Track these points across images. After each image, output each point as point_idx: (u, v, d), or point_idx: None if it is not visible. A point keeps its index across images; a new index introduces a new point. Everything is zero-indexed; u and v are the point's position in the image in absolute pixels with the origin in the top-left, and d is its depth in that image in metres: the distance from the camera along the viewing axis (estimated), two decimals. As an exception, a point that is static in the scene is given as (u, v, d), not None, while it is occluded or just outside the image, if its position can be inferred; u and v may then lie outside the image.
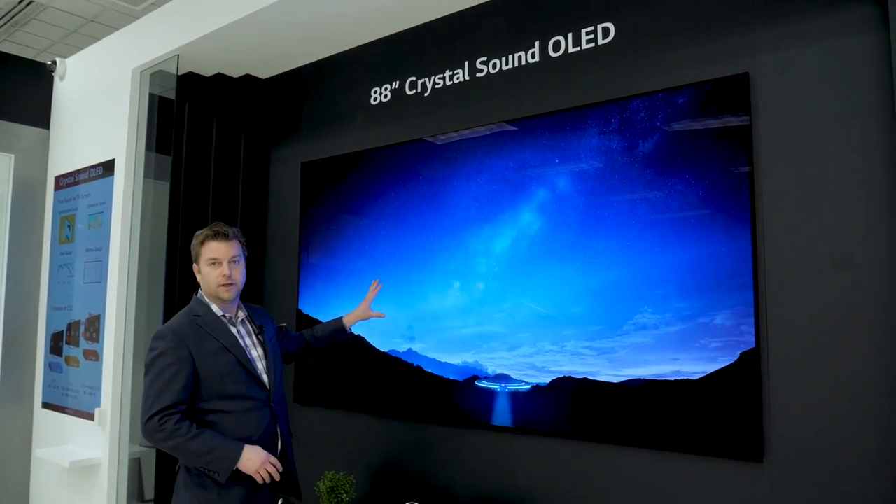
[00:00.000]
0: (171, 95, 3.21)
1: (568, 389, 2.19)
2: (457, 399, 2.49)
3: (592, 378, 2.14)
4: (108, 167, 3.35)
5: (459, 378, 2.49)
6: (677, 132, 2.05)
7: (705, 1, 2.08)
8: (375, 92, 3.01)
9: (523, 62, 2.50)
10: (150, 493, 3.17)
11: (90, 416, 3.22)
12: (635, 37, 2.23)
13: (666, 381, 1.99)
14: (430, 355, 2.58)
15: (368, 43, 3.05)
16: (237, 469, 1.97)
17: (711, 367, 1.92)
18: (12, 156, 3.75)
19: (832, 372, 1.77)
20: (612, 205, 2.16)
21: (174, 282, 3.10)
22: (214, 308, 2.12)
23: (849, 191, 1.78)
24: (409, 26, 2.89)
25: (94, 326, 3.30)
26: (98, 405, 3.19)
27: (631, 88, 2.18)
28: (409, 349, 2.65)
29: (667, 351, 2.00)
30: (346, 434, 2.95)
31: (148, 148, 3.29)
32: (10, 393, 3.65)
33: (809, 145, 1.85)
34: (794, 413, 1.81)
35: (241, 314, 2.20)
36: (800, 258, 1.84)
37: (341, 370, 2.94)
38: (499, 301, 2.40)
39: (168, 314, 3.01)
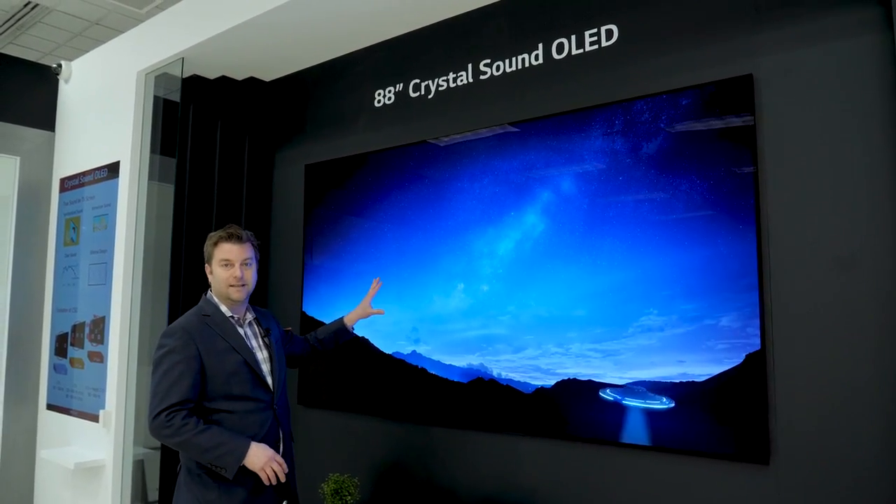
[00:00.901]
0: (176, 98, 3.23)
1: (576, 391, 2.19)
2: (462, 401, 2.49)
3: (597, 380, 2.14)
4: (112, 169, 3.36)
5: (464, 380, 2.49)
6: (681, 133, 2.05)
7: (708, 2, 2.08)
8: (379, 94, 3.01)
9: (527, 64, 2.51)
10: (153, 494, 3.18)
11: (94, 418, 3.23)
12: (639, 39, 2.23)
13: (672, 382, 1.99)
14: (435, 357, 2.58)
15: (372, 45, 3.06)
16: (243, 466, 1.97)
17: (717, 370, 1.91)
18: (18, 158, 3.77)
19: (838, 373, 1.76)
20: (617, 206, 2.15)
21: (179, 283, 3.11)
22: (224, 309, 2.14)
23: (853, 191, 1.78)
24: (412, 28, 2.89)
25: (99, 328, 3.30)
26: (102, 407, 3.19)
27: (634, 90, 2.18)
28: (414, 351, 2.65)
29: (673, 353, 1.99)
30: (350, 436, 2.95)
31: (152, 150, 3.30)
32: (14, 394, 3.66)
33: (813, 146, 1.85)
34: (801, 415, 1.81)
35: (249, 316, 2.21)
36: (805, 259, 1.84)
37: (345, 372, 2.94)
38: (503, 303, 2.40)
39: (173, 316, 3.02)
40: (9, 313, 3.67)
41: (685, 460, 1.99)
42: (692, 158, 2.01)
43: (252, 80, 3.44)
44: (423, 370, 2.61)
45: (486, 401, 2.42)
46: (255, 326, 2.21)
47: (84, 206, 3.54)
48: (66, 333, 3.55)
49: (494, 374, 2.40)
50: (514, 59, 2.54)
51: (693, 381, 1.95)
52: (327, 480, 2.63)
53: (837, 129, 1.81)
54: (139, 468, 3.26)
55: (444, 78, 2.76)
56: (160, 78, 3.30)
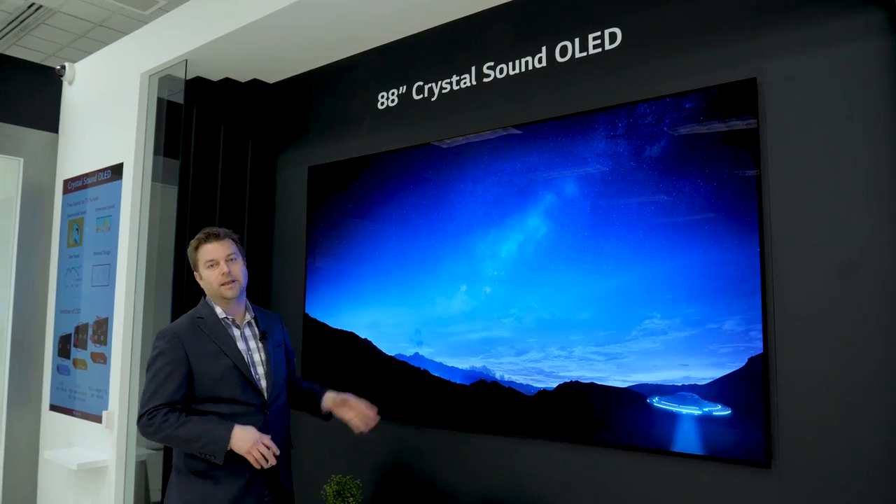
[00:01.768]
0: (179, 100, 3.23)
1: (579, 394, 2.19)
2: (464, 403, 2.49)
3: (600, 383, 2.14)
4: (116, 171, 3.37)
5: (466, 382, 2.49)
6: (685, 137, 2.06)
7: (712, 6, 2.08)
8: (382, 97, 3.02)
9: (530, 67, 2.51)
10: (156, 495, 3.18)
11: (97, 419, 3.23)
12: (642, 42, 2.23)
13: (673, 385, 1.99)
14: (438, 360, 2.59)
15: (376, 48, 3.06)
16: (236, 461, 1.96)
17: (720, 374, 1.91)
18: (21, 159, 3.78)
19: (840, 376, 1.76)
20: (620, 209, 2.16)
21: (182, 285, 3.12)
22: (218, 311, 2.13)
23: (856, 195, 1.78)
24: (416, 31, 2.90)
25: (102, 329, 3.31)
26: (105, 408, 3.20)
27: (638, 93, 2.18)
28: (416, 353, 2.66)
29: (676, 356, 2.00)
30: (352, 437, 2.94)
31: (156, 152, 3.31)
32: (18, 395, 3.67)
33: (817, 150, 1.85)
34: (803, 417, 1.81)
35: (248, 316, 2.19)
36: (808, 263, 1.84)
37: (349, 374, 2.94)
38: (506, 305, 2.40)
39: (175, 317, 3.02)
40: (12, 314, 3.68)
41: (687, 463, 1.99)
42: (695, 162, 2.01)
43: (255, 83, 3.45)
44: (426, 372, 2.62)
45: (488, 403, 2.42)
46: (254, 327, 2.19)
47: (87, 208, 3.55)
48: (70, 334, 3.56)
49: (497, 376, 2.40)
50: (517, 61, 2.55)
51: (696, 385, 1.95)
52: (329, 482, 2.64)
53: (841, 133, 1.82)
54: (142, 469, 3.27)
55: (448, 81, 2.77)
56: (164, 80, 3.31)
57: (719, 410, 1.91)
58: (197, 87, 3.31)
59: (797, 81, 1.90)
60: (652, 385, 2.03)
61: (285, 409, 2.21)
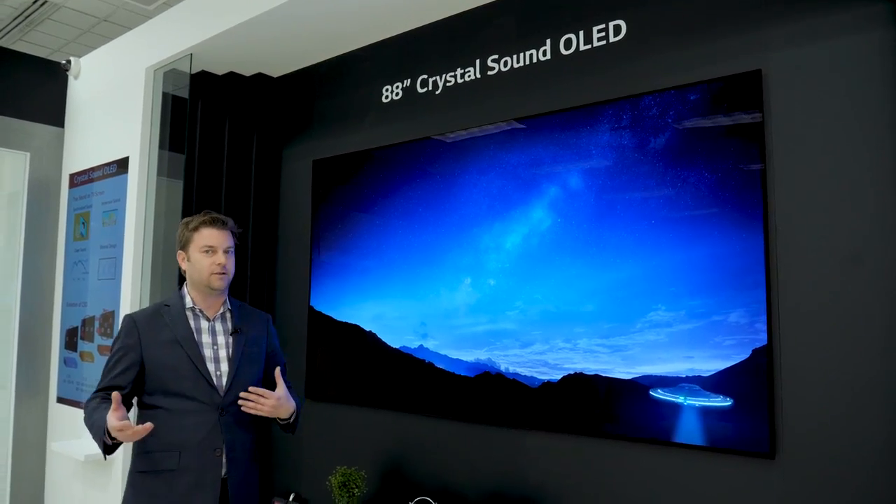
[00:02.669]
0: (184, 94, 3.24)
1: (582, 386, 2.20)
2: (469, 395, 2.50)
3: (604, 375, 2.15)
4: (122, 165, 3.38)
5: (471, 374, 2.50)
6: (689, 129, 2.05)
7: (718, -2, 2.08)
8: (387, 90, 3.02)
9: (535, 60, 2.51)
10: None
11: (105, 411, 3.26)
12: (647, 34, 2.23)
13: (678, 377, 1.99)
14: (442, 352, 2.60)
15: (380, 41, 3.07)
16: (186, 457, 1.86)
17: (725, 365, 1.92)
18: (27, 154, 3.79)
19: (845, 368, 1.76)
20: (624, 202, 2.16)
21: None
22: (188, 300, 2.02)
23: (861, 188, 1.78)
24: (420, 24, 2.89)
25: (109, 322, 3.33)
26: (112, 400, 3.22)
27: (642, 86, 2.18)
28: (421, 345, 2.67)
29: (681, 348, 2.00)
30: (357, 429, 2.97)
31: (161, 146, 3.32)
32: (25, 388, 3.70)
33: (822, 142, 1.85)
34: (807, 409, 1.81)
35: (223, 308, 2.05)
36: (812, 255, 1.84)
37: (353, 366, 2.95)
38: (511, 298, 2.41)
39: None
40: (19, 308, 3.70)
41: (691, 454, 1.99)
42: (700, 154, 2.01)
43: (260, 77, 3.46)
44: (431, 364, 2.63)
45: (492, 395, 2.43)
46: (228, 322, 2.05)
47: (93, 202, 3.57)
48: (76, 327, 3.58)
49: (502, 368, 2.41)
50: (521, 54, 2.55)
51: (700, 376, 1.95)
52: (334, 473, 2.65)
53: (846, 125, 1.81)
54: (148, 461, 3.29)
55: (452, 74, 2.77)
56: (169, 74, 3.31)
57: (724, 402, 1.91)
58: (202, 82, 3.31)
59: (802, 73, 1.89)
60: (657, 377, 2.04)
61: (251, 416, 1.97)
